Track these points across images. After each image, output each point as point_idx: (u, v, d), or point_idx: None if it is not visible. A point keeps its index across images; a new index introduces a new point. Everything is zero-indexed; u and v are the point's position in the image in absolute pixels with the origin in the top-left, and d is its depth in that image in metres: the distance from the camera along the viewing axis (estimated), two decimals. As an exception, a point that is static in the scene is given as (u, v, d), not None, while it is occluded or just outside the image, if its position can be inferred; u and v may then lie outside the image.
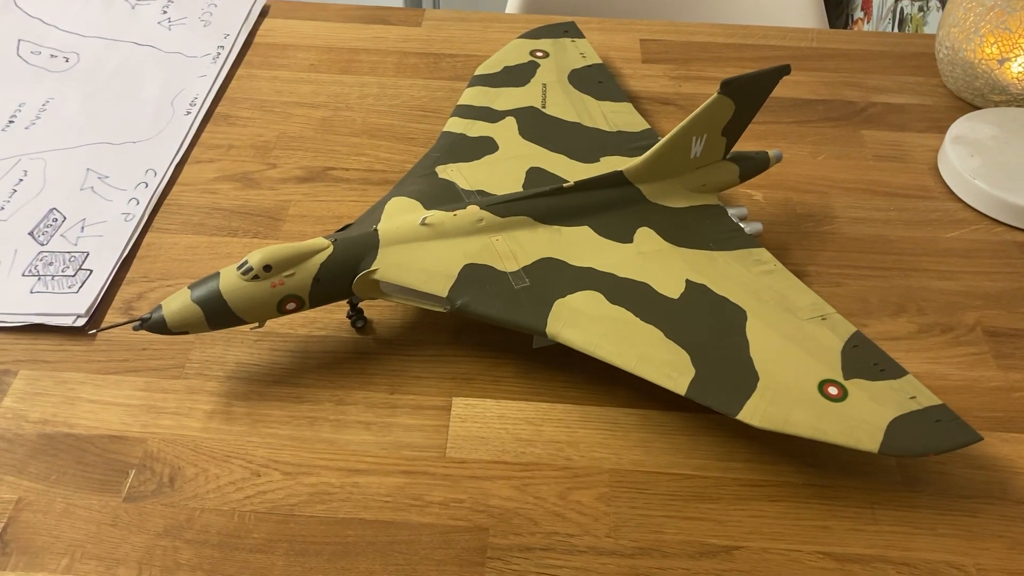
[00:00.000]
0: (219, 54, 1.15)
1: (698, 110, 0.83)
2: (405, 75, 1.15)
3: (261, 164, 1.01)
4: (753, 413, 0.69)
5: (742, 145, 1.00)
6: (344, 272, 0.76)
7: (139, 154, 1.01)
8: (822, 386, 0.72)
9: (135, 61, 1.14)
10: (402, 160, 1.02)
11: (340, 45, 1.20)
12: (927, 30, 1.62)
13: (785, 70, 0.86)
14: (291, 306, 0.75)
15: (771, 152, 0.92)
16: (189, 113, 1.06)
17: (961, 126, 1.03)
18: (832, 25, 2.04)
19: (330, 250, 0.76)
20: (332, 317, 0.84)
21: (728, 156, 0.90)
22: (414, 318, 0.84)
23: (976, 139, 1.01)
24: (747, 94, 0.85)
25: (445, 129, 0.95)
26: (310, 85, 1.12)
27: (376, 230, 0.78)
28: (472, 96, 1.00)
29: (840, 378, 0.72)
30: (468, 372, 0.80)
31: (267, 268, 0.73)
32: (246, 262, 0.74)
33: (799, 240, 0.93)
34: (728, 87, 0.82)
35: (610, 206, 0.85)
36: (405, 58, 1.18)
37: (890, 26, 1.76)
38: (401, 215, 0.81)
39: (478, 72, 1.05)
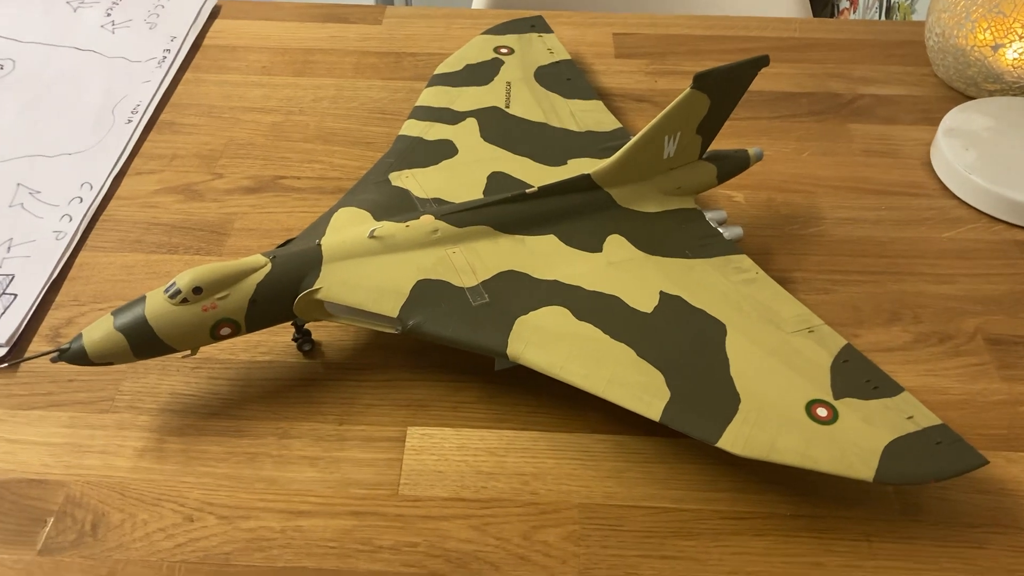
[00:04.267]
0: (165, 58, 1.08)
1: (670, 107, 0.77)
2: (364, 76, 1.08)
3: (206, 174, 0.94)
4: (735, 440, 0.63)
5: (721, 143, 0.93)
6: (284, 292, 0.69)
7: (75, 167, 0.94)
8: (810, 407, 0.65)
9: (75, 67, 1.07)
10: (358, 166, 0.95)
11: (295, 46, 1.13)
12: (915, 18, 1.55)
13: (763, 61, 0.79)
14: (226, 331, 0.69)
15: (751, 150, 0.86)
16: (131, 121, 0.99)
17: (954, 118, 0.96)
18: (817, 14, 1.97)
19: (268, 268, 0.69)
20: (276, 340, 0.77)
21: (704, 156, 0.84)
22: (366, 340, 0.77)
23: (970, 131, 0.94)
24: (723, 88, 0.78)
25: (401, 132, 0.89)
26: (261, 89, 1.06)
27: (319, 245, 0.71)
28: (431, 96, 0.94)
29: (830, 398, 0.66)
30: (425, 398, 0.73)
31: (197, 290, 0.67)
32: (174, 284, 0.67)
33: (783, 244, 0.87)
34: (702, 81, 0.76)
35: (578, 213, 0.78)
36: (364, 58, 1.11)
37: (877, 14, 1.69)
38: (348, 228, 0.74)
39: (438, 71, 0.98)
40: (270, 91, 1.05)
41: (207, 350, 0.75)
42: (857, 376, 0.68)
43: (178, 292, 0.67)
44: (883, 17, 1.67)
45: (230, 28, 1.15)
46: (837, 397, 0.66)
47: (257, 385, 0.74)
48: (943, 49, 1.03)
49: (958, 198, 0.92)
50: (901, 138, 0.99)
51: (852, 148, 0.98)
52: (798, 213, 0.90)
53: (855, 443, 0.63)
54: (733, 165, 0.85)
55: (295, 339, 0.76)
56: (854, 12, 1.79)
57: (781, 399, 0.65)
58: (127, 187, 0.92)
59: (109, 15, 1.15)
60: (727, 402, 0.65)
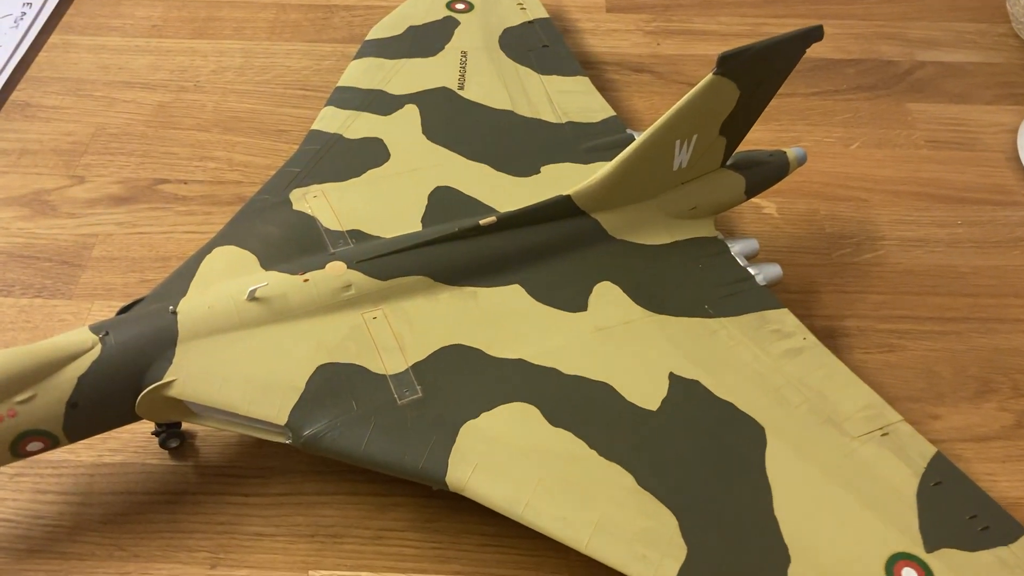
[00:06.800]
0: (24, 14, 0.84)
1: (684, 100, 0.54)
2: (281, 36, 0.85)
3: (64, 178, 0.71)
4: (784, 628, 0.42)
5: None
6: (120, 388, 0.48)
7: None
8: (892, 567, 0.44)
9: (-93, 27, 0.83)
10: (267, 165, 0.73)
11: (197, -4, 0.88)
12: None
13: (814, 34, 0.57)
14: (36, 446, 0.48)
15: (791, 151, 0.64)
16: (-30, 102, 0.76)
17: (1051, 97, 0.73)
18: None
19: (96, 352, 0.47)
20: (133, 432, 0.55)
21: (729, 163, 0.61)
22: (257, 432, 0.56)
23: (1073, 116, 0.72)
24: (757, 73, 0.56)
25: (314, 126, 0.66)
26: (149, 56, 0.82)
27: (174, 312, 0.49)
28: (358, 73, 0.70)
29: (920, 550, 0.45)
30: (336, 523, 0.53)
31: (-14, 392, 0.45)
32: (-50, 384, 0.45)
33: (831, 277, 0.65)
34: (729, 64, 0.54)
35: (553, 251, 0.56)
36: (284, 12, 0.87)
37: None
38: (221, 282, 0.52)
39: (371, 35, 0.75)
40: (160, 59, 0.82)
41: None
42: (956, 508, 0.47)
43: (-44, 395, 0.44)
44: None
45: (115, -27, 0.90)
46: (931, 548, 0.45)
47: (100, 502, 0.53)
48: (1032, 3, 0.80)
49: (1059, 208, 0.70)
50: (977, 123, 0.78)
51: (914, 136, 0.76)
52: (849, 231, 0.68)
53: (963, 629, 0.42)
54: (767, 174, 0.63)
55: (157, 433, 0.55)
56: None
57: (849, 556, 0.45)
58: (-46, 197, 0.70)
59: (-43, -44, 0.90)
60: (770, 562, 0.44)
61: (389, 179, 0.61)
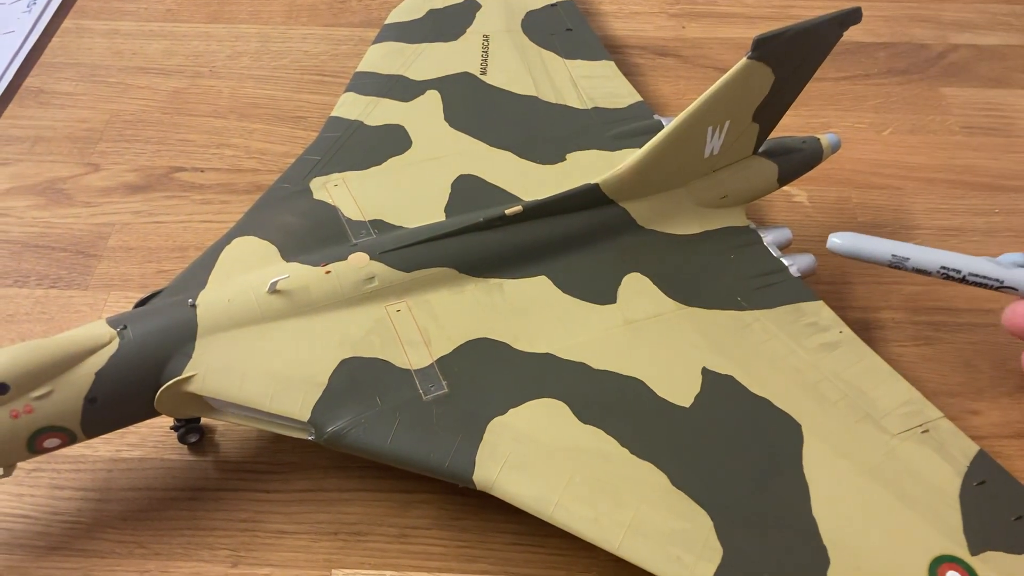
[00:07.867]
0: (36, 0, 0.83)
1: (717, 85, 0.53)
2: (298, 21, 0.83)
3: (79, 166, 0.70)
4: (826, 633, 0.41)
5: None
6: (138, 383, 0.47)
7: (-101, 156, 0.69)
8: (936, 570, 0.43)
9: (-81, 12, 0.82)
10: (284, 152, 0.72)
11: (212, -21, 0.87)
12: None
13: (853, 16, 0.56)
14: (53, 442, 0.47)
15: (824, 137, 0.62)
16: (-18, 89, 0.75)
17: (1091, 81, 0.71)
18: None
19: (114, 346, 0.46)
20: (151, 426, 0.54)
21: (761, 150, 0.59)
22: (278, 427, 0.54)
23: (1114, 101, 0.69)
24: (793, 57, 0.54)
25: (334, 113, 0.64)
26: (163, 40, 0.81)
27: (194, 306, 0.48)
28: (378, 58, 0.69)
29: (965, 553, 0.44)
30: (360, 520, 0.52)
31: (2, 388, 0.44)
32: (-35, 380, 0.44)
33: (864, 267, 0.64)
34: (764, 48, 0.52)
35: (581, 241, 0.55)
36: (301, -4, 0.86)
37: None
38: (241, 274, 0.50)
39: (391, 19, 0.73)
40: (174, 44, 0.81)
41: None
42: (1001, 509, 0.46)
43: (-29, 391, 0.44)
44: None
45: (128, -44, 0.89)
46: (976, 551, 0.44)
47: (119, 498, 0.52)
48: (1071, -16, 0.77)
49: (1100, 196, 0.68)
50: (1014, 107, 0.77)
51: (948, 123, 0.74)
52: (882, 219, 0.67)
53: (1010, 637, 0.41)
54: (801, 161, 0.61)
55: (175, 428, 0.54)
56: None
57: (890, 559, 0.44)
58: (-33, 186, 0.69)
59: (-32, -60, 0.88)
60: (808, 564, 0.43)
61: (411, 167, 0.60)
